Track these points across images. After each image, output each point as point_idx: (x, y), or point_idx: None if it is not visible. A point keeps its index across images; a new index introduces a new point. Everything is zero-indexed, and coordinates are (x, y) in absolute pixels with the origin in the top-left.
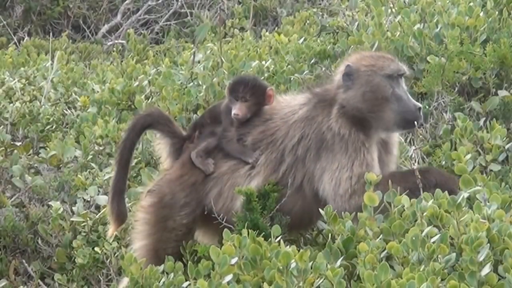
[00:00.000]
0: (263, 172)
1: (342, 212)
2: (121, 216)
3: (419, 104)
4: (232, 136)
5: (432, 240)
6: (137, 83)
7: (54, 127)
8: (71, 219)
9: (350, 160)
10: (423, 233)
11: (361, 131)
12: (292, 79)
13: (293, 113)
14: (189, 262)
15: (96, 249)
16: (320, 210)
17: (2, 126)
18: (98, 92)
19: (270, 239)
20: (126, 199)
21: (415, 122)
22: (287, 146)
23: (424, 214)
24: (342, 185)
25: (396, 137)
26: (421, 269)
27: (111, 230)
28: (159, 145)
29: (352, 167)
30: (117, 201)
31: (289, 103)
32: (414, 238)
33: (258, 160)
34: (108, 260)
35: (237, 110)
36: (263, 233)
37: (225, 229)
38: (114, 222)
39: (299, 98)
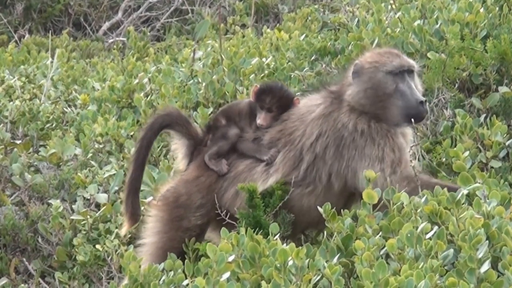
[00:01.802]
0: (281, 170)
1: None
2: (135, 215)
3: (422, 98)
4: (249, 136)
5: (427, 236)
6: (137, 80)
7: (54, 125)
8: (71, 217)
9: (379, 149)
10: (418, 229)
11: (378, 123)
12: (292, 76)
13: (310, 112)
14: (186, 260)
15: (97, 246)
16: (319, 208)
17: (2, 124)
18: (98, 90)
19: (268, 237)
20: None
21: (419, 116)
22: (305, 144)
23: (419, 210)
24: (378, 182)
25: (409, 129)
26: (419, 266)
27: (124, 229)
28: (175, 145)
29: (383, 157)
30: (132, 199)
31: (305, 103)
32: (409, 234)
33: (274, 158)
34: (109, 257)
35: (262, 120)
36: (265, 230)
37: (223, 227)
38: (128, 221)
39: (315, 98)
